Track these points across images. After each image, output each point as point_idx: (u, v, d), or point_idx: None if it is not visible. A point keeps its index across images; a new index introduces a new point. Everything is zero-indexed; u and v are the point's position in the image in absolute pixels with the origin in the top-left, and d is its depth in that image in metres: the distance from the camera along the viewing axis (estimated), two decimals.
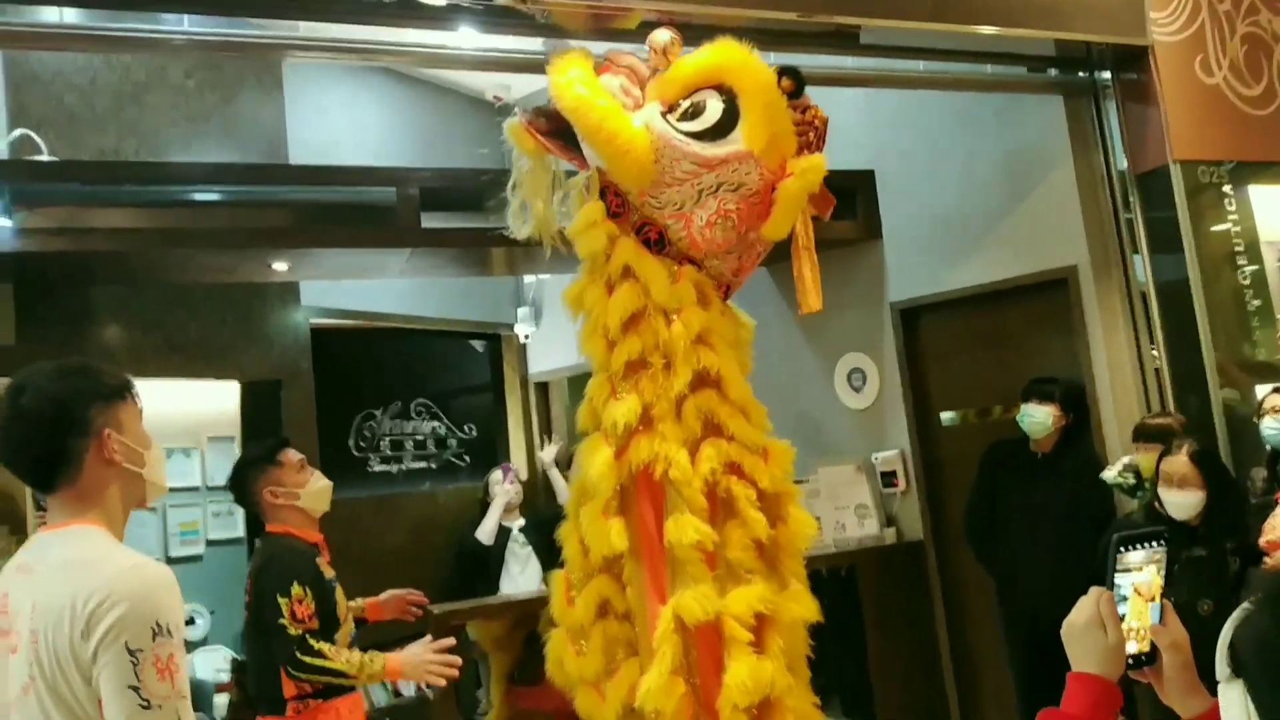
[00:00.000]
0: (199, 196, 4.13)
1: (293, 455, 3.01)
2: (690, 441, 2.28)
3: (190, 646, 6.37)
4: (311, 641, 2.70)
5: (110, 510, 1.59)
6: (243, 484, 3.00)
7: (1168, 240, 4.15)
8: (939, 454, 4.64)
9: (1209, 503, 3.38)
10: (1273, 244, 4.40)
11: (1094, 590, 1.31)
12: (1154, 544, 1.32)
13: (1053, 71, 4.35)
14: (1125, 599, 1.30)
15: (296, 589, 2.73)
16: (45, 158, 3.97)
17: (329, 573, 2.94)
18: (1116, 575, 1.31)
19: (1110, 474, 3.81)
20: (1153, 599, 1.31)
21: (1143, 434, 3.78)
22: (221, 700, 6.30)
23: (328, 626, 2.81)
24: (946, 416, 4.65)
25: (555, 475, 5.76)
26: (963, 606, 4.53)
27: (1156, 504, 3.50)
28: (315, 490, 2.98)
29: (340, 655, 2.74)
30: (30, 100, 4.27)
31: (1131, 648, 1.29)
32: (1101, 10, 3.97)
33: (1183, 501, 3.41)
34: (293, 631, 2.68)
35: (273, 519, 2.94)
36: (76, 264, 4.06)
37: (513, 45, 3.55)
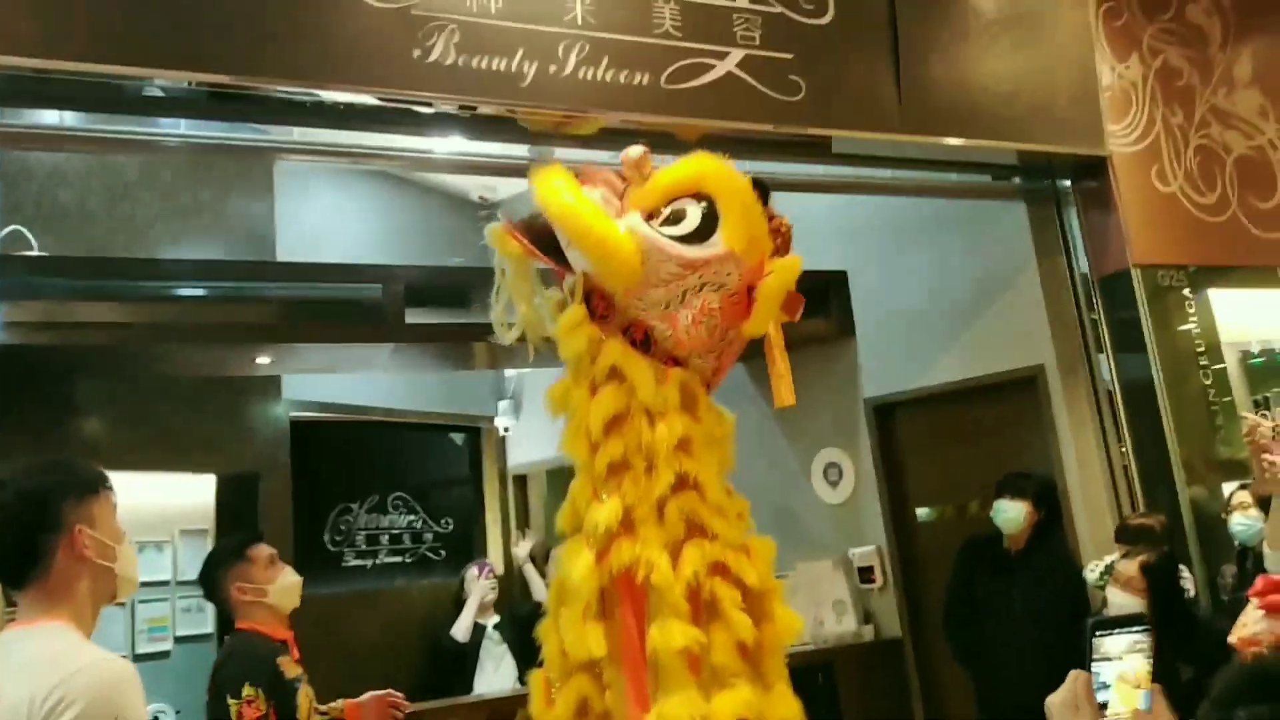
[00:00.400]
0: (186, 292, 4.19)
1: (263, 551, 3.00)
2: (672, 544, 2.31)
3: None
4: None
5: (79, 606, 1.59)
6: (211, 580, 2.99)
7: (1131, 341, 4.29)
8: (915, 549, 4.68)
9: (1154, 613, 3.47)
10: (1233, 344, 4.55)
11: (1074, 672, 1.33)
12: (1136, 630, 1.33)
13: (1016, 179, 4.53)
14: (1107, 686, 1.31)
15: (248, 690, 2.70)
16: (34, 253, 4.03)
17: (292, 671, 2.89)
18: (1094, 663, 1.32)
19: (1092, 576, 3.86)
20: (1138, 686, 1.32)
21: (1124, 535, 3.85)
22: None
23: None
24: (922, 512, 4.71)
25: (530, 571, 5.73)
26: (942, 704, 4.51)
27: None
28: (283, 587, 2.96)
29: None
30: (23, 196, 4.35)
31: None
32: (1062, 122, 4.16)
33: (1123, 604, 3.52)
34: None
35: (241, 615, 2.92)
36: (60, 357, 4.09)
37: (498, 151, 3.69)
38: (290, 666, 2.89)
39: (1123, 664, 1.32)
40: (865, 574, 4.70)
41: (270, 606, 2.92)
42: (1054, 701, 1.33)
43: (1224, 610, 3.73)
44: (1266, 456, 3.39)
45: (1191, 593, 3.84)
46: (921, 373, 4.65)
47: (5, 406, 4.11)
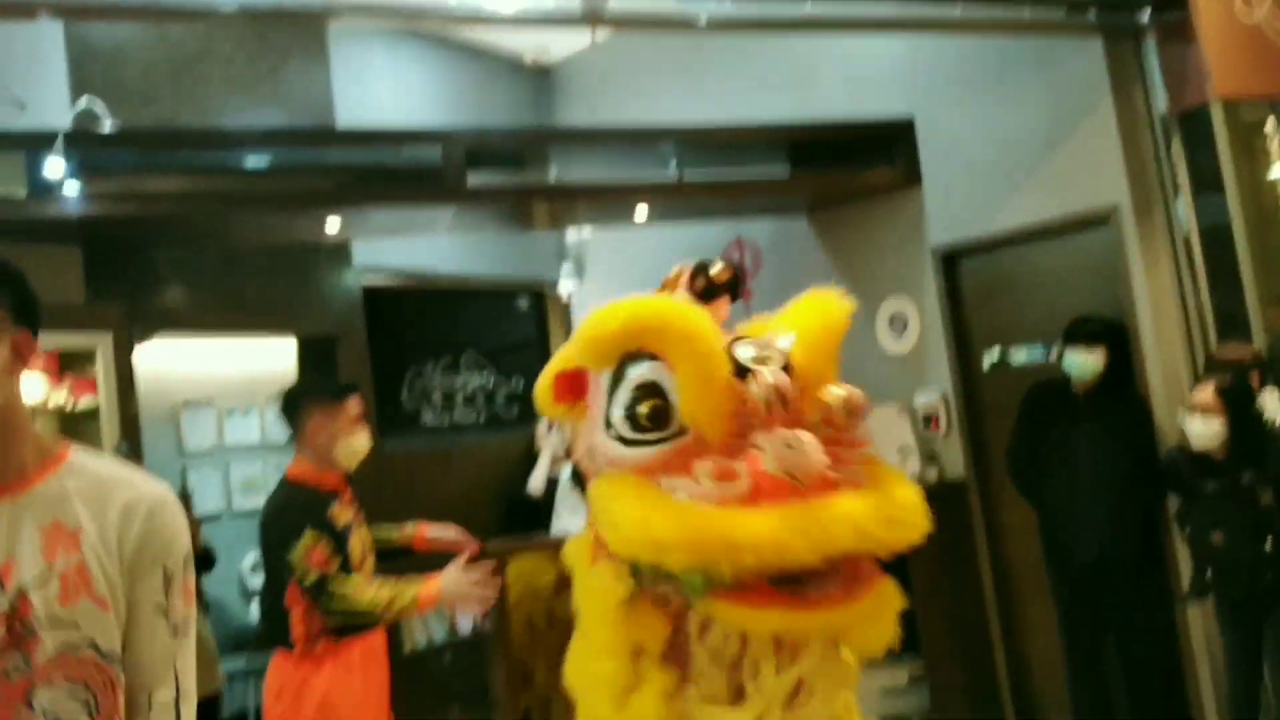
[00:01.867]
0: (253, 161, 4.27)
1: (355, 404, 3.09)
2: None
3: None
4: (333, 583, 2.78)
5: None
6: (298, 406, 3.04)
7: (1209, 180, 4.15)
8: (981, 396, 4.70)
9: (1231, 436, 3.44)
10: None
11: None
12: None
13: (1091, 13, 4.32)
14: None
15: (308, 536, 2.79)
16: (107, 127, 4.13)
17: (344, 518, 2.97)
18: None
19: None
20: None
21: (1213, 365, 3.83)
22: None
23: (343, 570, 2.87)
24: (988, 359, 4.70)
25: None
26: (1005, 544, 4.60)
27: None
28: (355, 445, 3.04)
29: (366, 592, 2.80)
30: (89, 74, 4.42)
31: None
32: None
33: (1202, 431, 3.49)
34: (312, 577, 2.77)
35: (301, 454, 3.01)
36: (139, 228, 4.23)
37: (551, 5, 3.63)
38: (342, 513, 2.97)
39: None
40: (929, 421, 4.76)
41: (333, 458, 3.00)
42: None
43: None
44: None
45: (1276, 419, 3.80)
46: (990, 218, 4.57)
47: (94, 277, 4.29)
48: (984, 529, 4.62)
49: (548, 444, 5.20)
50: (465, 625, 5.18)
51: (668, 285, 2.67)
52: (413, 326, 5.86)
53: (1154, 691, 4.09)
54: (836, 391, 1.93)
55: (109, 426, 3.97)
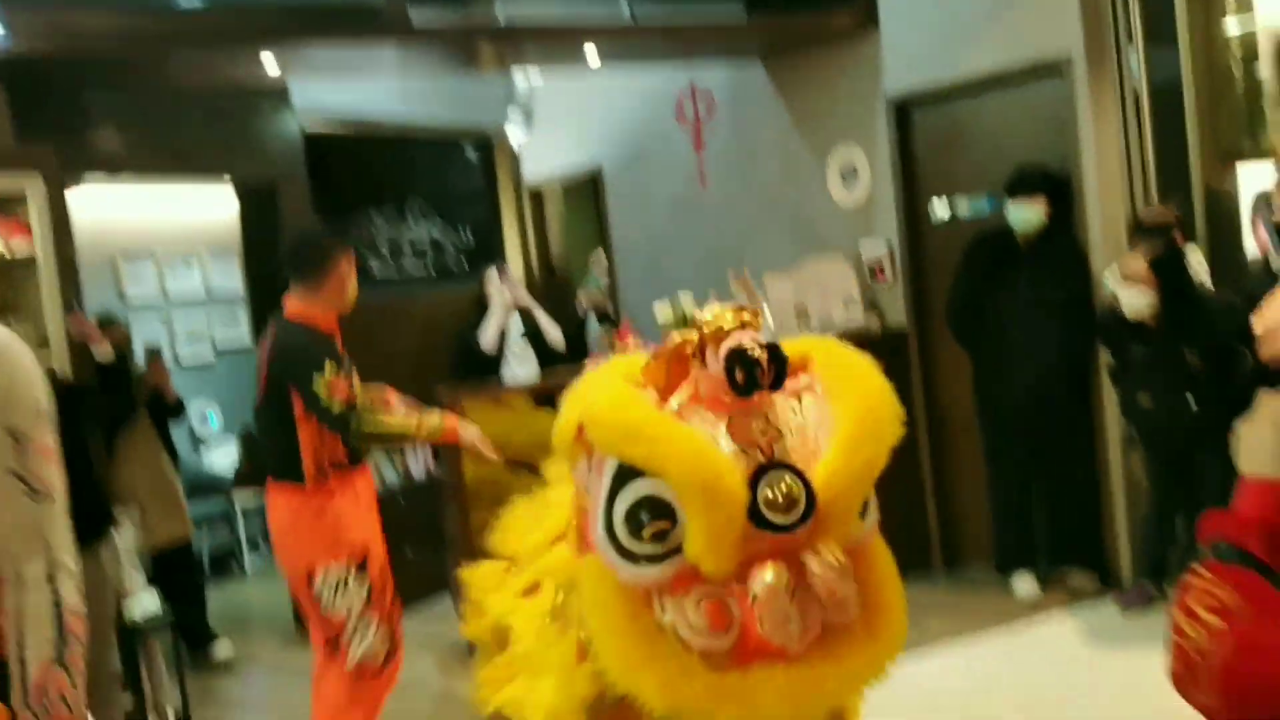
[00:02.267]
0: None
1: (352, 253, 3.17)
2: None
3: (207, 443, 6.68)
4: (361, 410, 2.87)
5: None
6: (327, 251, 3.07)
7: (1164, 32, 4.13)
8: (926, 248, 4.75)
9: (1163, 305, 3.54)
10: (1270, 32, 4.37)
11: (1266, 393, 1.22)
12: None
13: None
14: None
15: (329, 368, 2.86)
16: None
17: (344, 357, 3.06)
18: None
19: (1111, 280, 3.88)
20: None
21: (1140, 230, 3.88)
22: (240, 492, 6.66)
23: None
24: (935, 212, 4.74)
25: (592, 322, 5.89)
26: (941, 394, 4.75)
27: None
28: (353, 291, 3.13)
29: (395, 416, 2.95)
30: None
31: None
32: None
33: (1134, 302, 3.59)
34: (338, 409, 2.85)
35: (306, 297, 3.02)
36: (67, 66, 4.03)
37: None
38: (343, 354, 3.08)
39: None
40: (875, 270, 4.83)
41: (343, 303, 3.09)
42: (1248, 435, 1.20)
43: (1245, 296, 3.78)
44: None
45: (1203, 280, 3.91)
46: (945, 66, 4.52)
47: (22, 118, 4.11)
48: (921, 379, 4.75)
49: (498, 297, 5.19)
50: (418, 470, 5.27)
51: (669, 357, 2.09)
52: (357, 174, 5.73)
53: (1074, 534, 4.33)
54: (817, 566, 1.86)
55: (47, 274, 3.87)
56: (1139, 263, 3.60)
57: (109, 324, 4.57)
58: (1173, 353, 3.58)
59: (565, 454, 2.05)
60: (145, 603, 3.90)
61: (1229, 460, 1.28)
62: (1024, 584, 4.28)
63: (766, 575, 1.81)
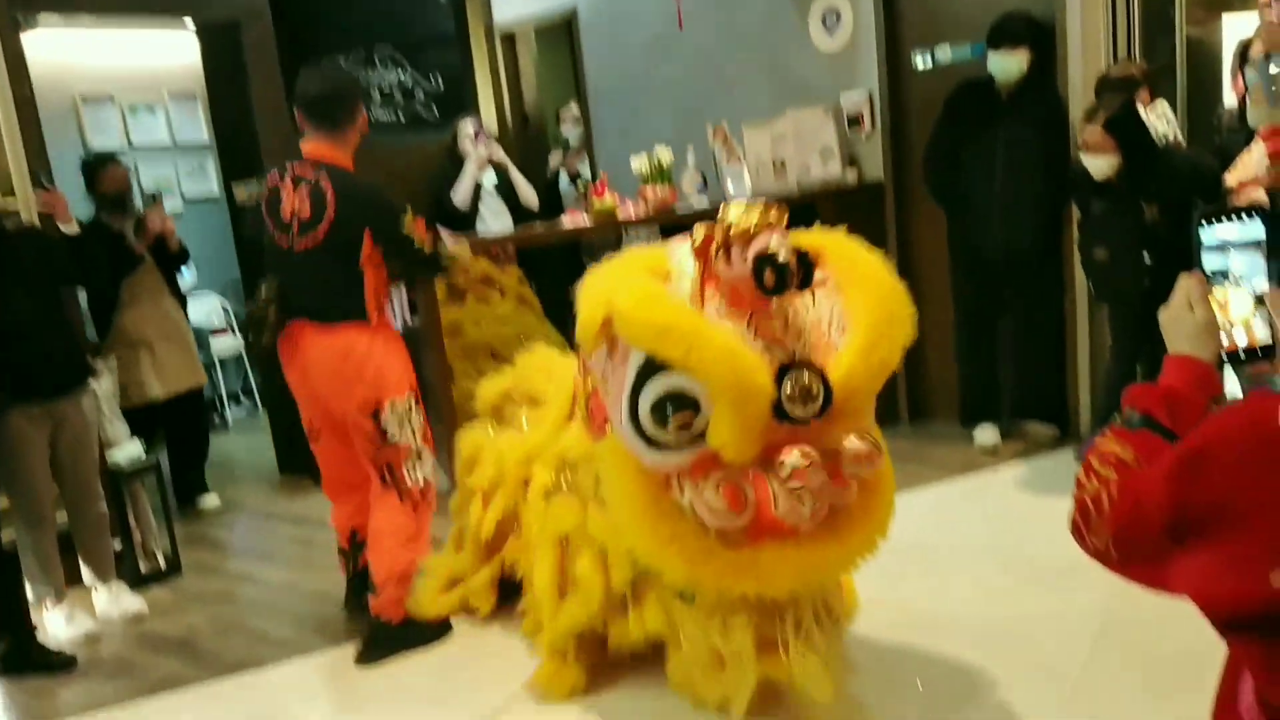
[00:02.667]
0: None
1: None
2: None
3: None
4: (440, 246, 3.16)
5: None
6: (354, 93, 3.17)
7: None
8: (907, 96, 4.68)
9: (1125, 164, 3.55)
10: None
11: (1183, 276, 1.25)
12: (1246, 218, 1.20)
13: None
14: (1226, 280, 1.20)
15: (409, 211, 3.07)
16: None
17: None
18: (1205, 254, 1.21)
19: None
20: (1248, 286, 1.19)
21: (1107, 85, 3.84)
22: (219, 343, 6.68)
23: None
24: (918, 60, 4.64)
25: (564, 183, 5.82)
26: (914, 248, 4.76)
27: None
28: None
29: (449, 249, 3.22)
30: None
31: (1241, 338, 1.18)
32: None
33: (1097, 166, 3.60)
34: (430, 248, 3.11)
35: (341, 140, 3.09)
36: None
37: None
38: None
39: (1234, 258, 1.20)
40: (855, 122, 4.76)
41: (354, 147, 3.15)
42: (1166, 307, 1.26)
43: (1215, 150, 3.80)
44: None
45: (1170, 135, 3.90)
46: None
47: None
48: (895, 233, 4.75)
49: (473, 154, 5.10)
50: (397, 323, 5.29)
51: (698, 252, 2.13)
52: (322, 16, 5.51)
53: (1038, 387, 4.44)
54: (856, 445, 2.02)
55: (4, 117, 3.77)
56: (1094, 133, 3.59)
57: (109, 163, 4.48)
58: (1131, 207, 3.61)
59: (587, 343, 2.11)
60: (129, 449, 3.98)
61: None
62: (985, 434, 4.41)
63: (794, 457, 1.93)
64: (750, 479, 2.00)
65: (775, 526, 2.02)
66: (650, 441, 2.04)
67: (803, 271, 2.04)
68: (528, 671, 2.75)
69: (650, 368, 2.00)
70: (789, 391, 1.96)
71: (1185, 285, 1.23)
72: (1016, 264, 4.21)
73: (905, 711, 2.47)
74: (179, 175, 6.85)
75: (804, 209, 4.09)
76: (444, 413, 4.00)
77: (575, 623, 2.51)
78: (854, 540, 2.10)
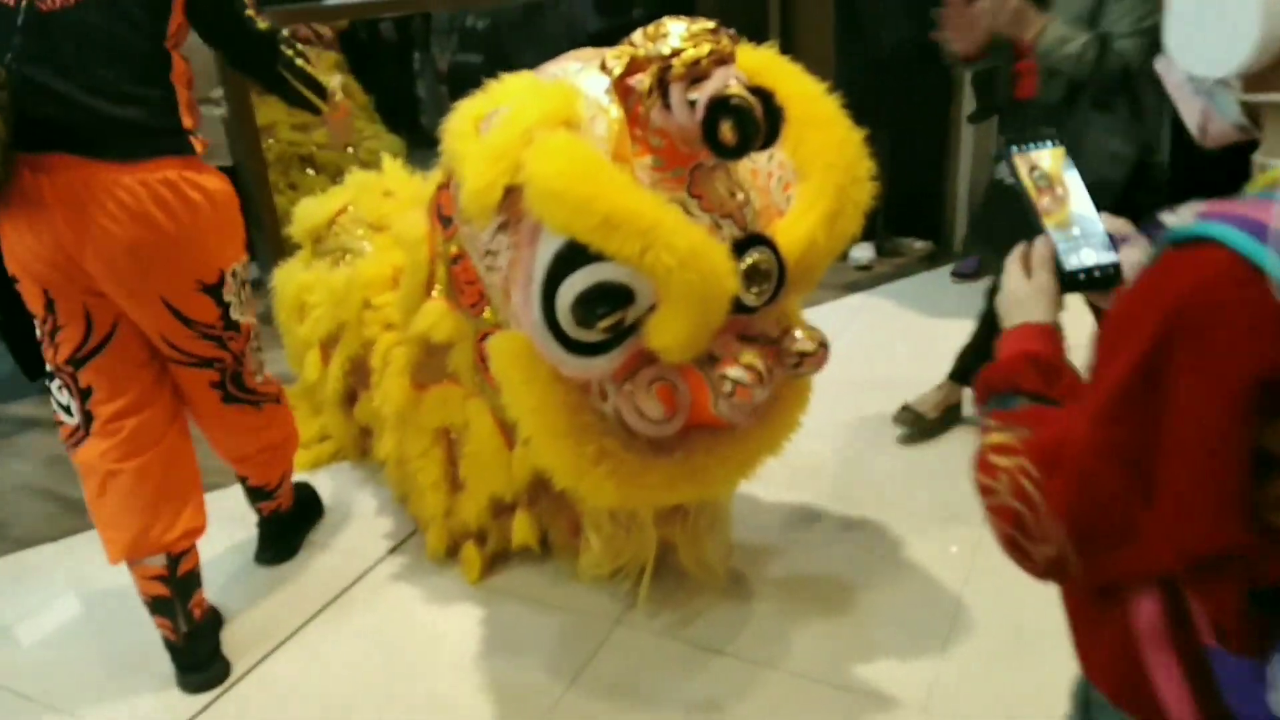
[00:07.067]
0: None
1: None
2: None
3: None
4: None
5: None
6: None
7: None
8: None
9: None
10: None
11: (1018, 248, 1.06)
12: (1051, 144, 1.05)
13: None
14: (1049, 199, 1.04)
15: None
16: None
17: None
18: (1024, 178, 1.04)
19: None
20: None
21: None
22: None
23: None
24: None
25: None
26: (799, 51, 4.34)
27: None
28: None
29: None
30: None
31: (1088, 258, 1.00)
32: None
33: None
34: (264, 25, 2.01)
35: None
36: None
37: None
38: None
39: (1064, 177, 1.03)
40: None
41: None
42: (1002, 291, 1.06)
43: None
44: None
45: None
46: None
47: None
48: (779, 21, 4.31)
49: None
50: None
51: (632, 97, 1.56)
52: None
53: (916, 203, 4.23)
54: (805, 346, 1.67)
55: None
56: None
57: None
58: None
59: (479, 219, 1.55)
60: None
61: None
62: (861, 251, 4.22)
63: (737, 372, 1.59)
64: (683, 374, 1.64)
65: (701, 418, 1.68)
66: (571, 345, 1.59)
67: (769, 123, 1.52)
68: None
69: (574, 255, 1.51)
70: (744, 277, 1.58)
71: (1011, 261, 1.05)
72: (907, 60, 3.87)
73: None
74: None
75: None
76: (266, 241, 3.40)
77: (467, 525, 2.23)
78: (780, 421, 1.82)
